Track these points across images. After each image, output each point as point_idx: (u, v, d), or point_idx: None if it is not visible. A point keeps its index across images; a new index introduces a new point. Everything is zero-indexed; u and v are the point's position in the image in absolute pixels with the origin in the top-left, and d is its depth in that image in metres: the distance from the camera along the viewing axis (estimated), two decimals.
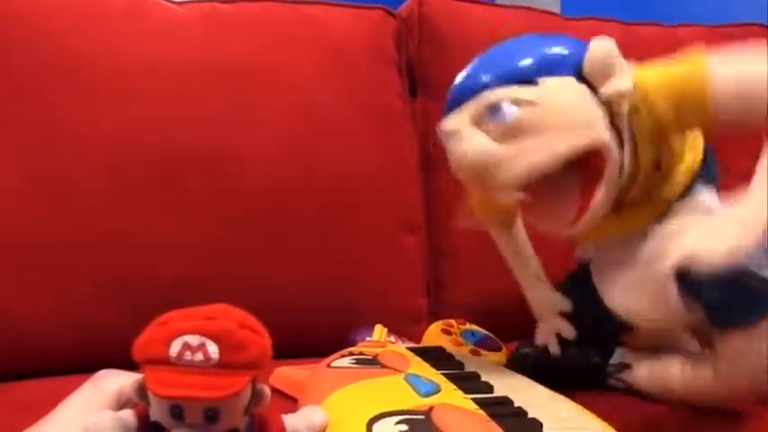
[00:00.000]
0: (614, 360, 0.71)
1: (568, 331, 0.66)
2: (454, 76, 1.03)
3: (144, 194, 0.80)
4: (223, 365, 0.40)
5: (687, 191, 0.62)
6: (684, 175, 0.61)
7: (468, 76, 0.59)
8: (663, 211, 0.62)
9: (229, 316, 0.42)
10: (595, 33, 1.18)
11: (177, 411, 0.40)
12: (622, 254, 0.63)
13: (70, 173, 0.79)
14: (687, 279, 0.57)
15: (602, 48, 0.55)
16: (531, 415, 0.45)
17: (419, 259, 0.96)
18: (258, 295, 0.71)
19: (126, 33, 0.84)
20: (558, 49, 0.57)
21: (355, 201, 0.90)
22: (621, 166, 0.57)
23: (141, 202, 0.80)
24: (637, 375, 0.69)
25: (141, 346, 0.42)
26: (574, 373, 0.66)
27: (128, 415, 0.42)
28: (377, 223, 0.92)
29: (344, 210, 0.89)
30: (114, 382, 0.46)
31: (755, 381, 0.58)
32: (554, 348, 0.67)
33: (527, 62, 0.56)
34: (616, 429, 0.46)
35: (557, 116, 0.54)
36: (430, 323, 0.80)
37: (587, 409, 0.49)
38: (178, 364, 0.40)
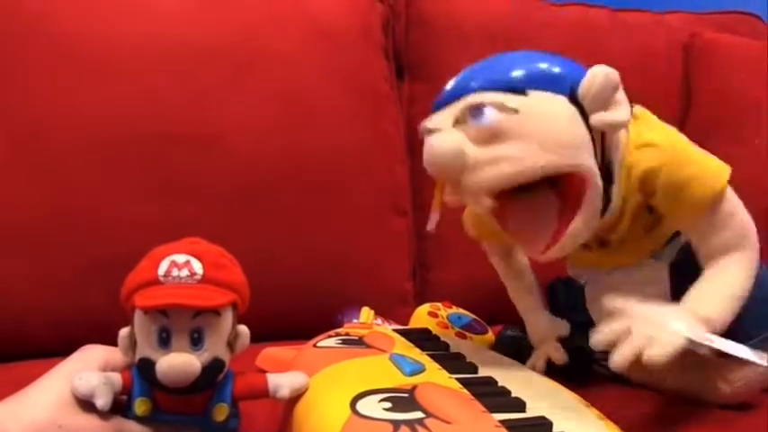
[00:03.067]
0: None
1: (560, 359, 0.65)
2: (441, 61, 1.02)
3: (130, 174, 0.80)
4: (207, 281, 0.44)
5: None
6: None
7: (458, 80, 0.57)
8: (658, 248, 0.61)
9: (210, 244, 0.47)
10: (582, 19, 1.18)
11: (165, 336, 0.42)
12: (615, 283, 0.62)
13: (55, 152, 0.78)
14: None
15: (602, 74, 0.52)
16: (514, 394, 0.45)
17: (406, 242, 0.96)
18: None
19: (112, 12, 0.84)
20: (555, 67, 0.54)
21: (342, 184, 0.90)
22: (608, 201, 0.56)
23: (127, 181, 0.80)
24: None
25: (131, 277, 0.45)
26: None
27: (114, 375, 0.44)
28: (364, 206, 0.92)
29: (331, 193, 0.89)
30: (100, 353, 0.47)
31: (754, 396, 0.60)
32: (540, 370, 0.65)
33: (519, 72, 0.53)
34: (597, 409, 0.46)
35: (538, 129, 0.51)
36: (416, 306, 0.80)
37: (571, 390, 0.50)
38: (165, 282, 0.43)
